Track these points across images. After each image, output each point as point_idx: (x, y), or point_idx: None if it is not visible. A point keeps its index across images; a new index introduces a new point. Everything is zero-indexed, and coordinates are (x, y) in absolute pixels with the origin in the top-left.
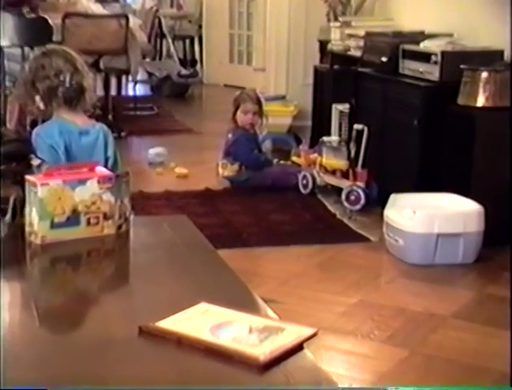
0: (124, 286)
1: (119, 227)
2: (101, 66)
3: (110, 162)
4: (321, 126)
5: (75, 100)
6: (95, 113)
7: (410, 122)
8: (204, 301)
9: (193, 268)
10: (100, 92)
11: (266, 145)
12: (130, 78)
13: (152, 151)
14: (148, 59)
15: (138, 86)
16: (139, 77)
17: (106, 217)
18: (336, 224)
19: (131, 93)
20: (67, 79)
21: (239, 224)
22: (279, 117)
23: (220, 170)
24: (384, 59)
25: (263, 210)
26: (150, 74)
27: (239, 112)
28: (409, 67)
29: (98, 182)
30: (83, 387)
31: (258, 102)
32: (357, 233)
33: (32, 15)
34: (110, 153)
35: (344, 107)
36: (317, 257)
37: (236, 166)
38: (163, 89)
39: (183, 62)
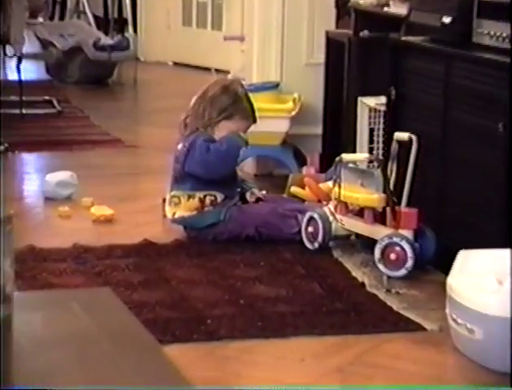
0: None
1: None
2: None
3: None
4: (338, 135)
5: None
6: None
7: (493, 127)
8: None
9: (120, 377)
10: None
11: (245, 168)
12: (10, 51)
13: (52, 178)
14: (41, 19)
15: (25, 65)
16: (26, 49)
17: None
18: (366, 302)
19: (12, 76)
20: None
21: (200, 302)
22: (268, 119)
23: (168, 208)
24: (446, 20)
25: (241, 278)
26: (46, 44)
27: (228, 123)
28: (490, 32)
29: None
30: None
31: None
32: (401, 317)
33: None
34: None
35: (378, 103)
36: (334, 357)
37: (195, 202)
38: (70, 71)
39: (103, 25)
